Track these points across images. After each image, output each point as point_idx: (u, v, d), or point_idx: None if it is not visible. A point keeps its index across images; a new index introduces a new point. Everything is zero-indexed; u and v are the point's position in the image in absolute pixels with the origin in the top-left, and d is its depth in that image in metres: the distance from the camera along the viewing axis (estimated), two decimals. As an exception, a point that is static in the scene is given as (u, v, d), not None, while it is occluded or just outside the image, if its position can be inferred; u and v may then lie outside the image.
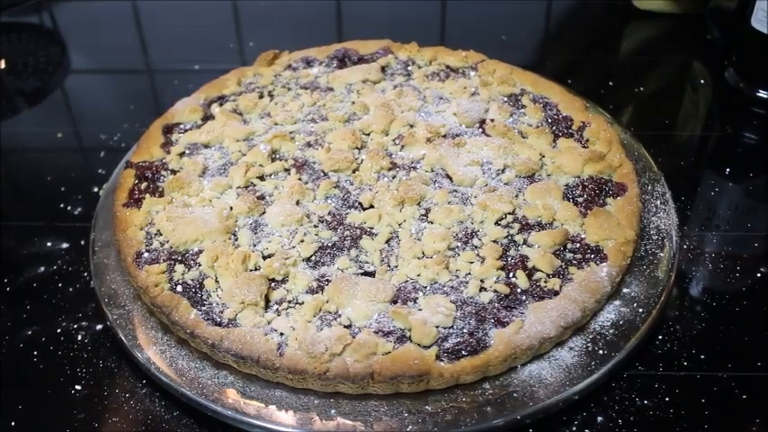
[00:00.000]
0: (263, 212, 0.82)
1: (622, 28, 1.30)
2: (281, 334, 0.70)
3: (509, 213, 0.80)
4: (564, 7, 1.37)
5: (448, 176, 0.86)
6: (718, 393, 0.71)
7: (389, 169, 0.87)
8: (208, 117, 0.98)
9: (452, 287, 0.74)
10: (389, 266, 0.76)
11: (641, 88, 1.13)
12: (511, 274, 0.75)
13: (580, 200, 0.83)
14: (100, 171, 0.99)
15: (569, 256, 0.77)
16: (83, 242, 0.87)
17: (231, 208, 0.82)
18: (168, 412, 0.71)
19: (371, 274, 0.75)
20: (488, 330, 0.70)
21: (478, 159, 0.87)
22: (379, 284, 0.73)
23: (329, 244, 0.78)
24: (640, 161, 0.92)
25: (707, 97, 1.12)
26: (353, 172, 0.87)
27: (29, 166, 1.06)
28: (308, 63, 1.07)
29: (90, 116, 1.13)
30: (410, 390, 0.68)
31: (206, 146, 0.93)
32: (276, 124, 0.95)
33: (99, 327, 0.79)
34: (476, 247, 0.77)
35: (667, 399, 0.70)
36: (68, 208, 0.94)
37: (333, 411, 0.67)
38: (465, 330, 0.70)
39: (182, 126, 0.97)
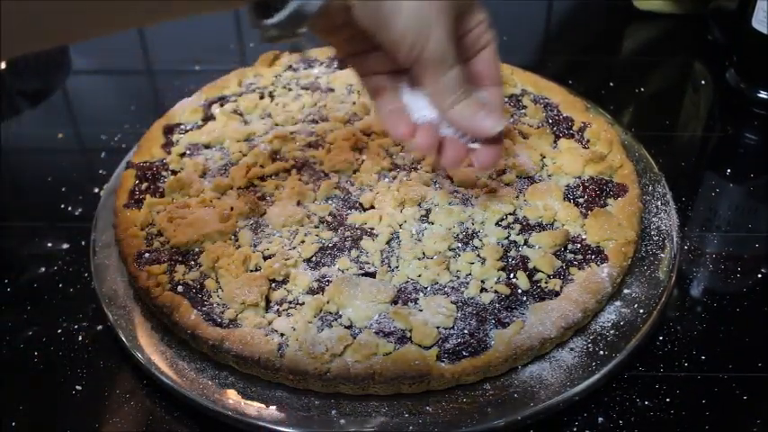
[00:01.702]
0: (264, 213, 0.82)
1: (623, 28, 1.30)
2: (282, 335, 0.70)
3: (510, 214, 0.81)
4: (564, 8, 1.37)
5: (448, 177, 0.86)
6: (719, 394, 0.71)
7: (390, 170, 0.87)
8: (208, 117, 0.98)
9: (453, 288, 0.74)
10: (390, 267, 0.76)
11: (642, 89, 1.13)
12: (511, 275, 0.75)
13: (581, 200, 0.83)
14: (101, 172, 0.99)
15: (570, 256, 0.77)
16: (83, 243, 0.87)
17: (232, 208, 0.82)
18: (169, 413, 0.71)
19: (372, 275, 0.75)
20: (489, 331, 0.70)
21: (479, 160, 0.87)
22: (379, 285, 0.73)
23: (330, 245, 0.78)
24: (641, 162, 0.92)
25: (708, 98, 1.12)
26: (354, 173, 0.87)
27: (29, 166, 1.06)
28: (309, 64, 1.07)
29: (91, 117, 1.14)
30: (411, 390, 0.68)
31: (207, 146, 0.93)
32: (277, 125, 0.95)
33: (99, 327, 0.79)
34: (476, 247, 0.77)
35: (668, 399, 0.70)
36: (69, 208, 0.94)
37: (333, 412, 0.67)
38: (466, 331, 0.70)
39: (182, 127, 0.97)
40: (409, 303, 0.72)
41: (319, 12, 0.59)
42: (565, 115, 0.95)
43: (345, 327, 0.70)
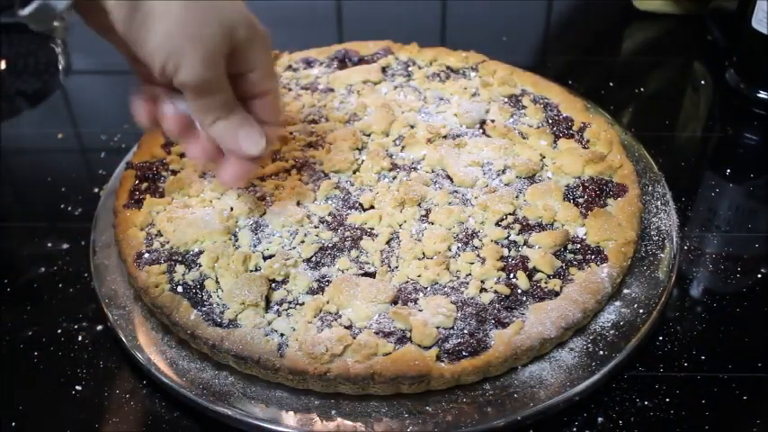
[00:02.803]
0: (264, 213, 0.82)
1: (623, 29, 1.30)
2: (282, 335, 0.70)
3: (509, 214, 0.80)
4: (564, 8, 1.37)
5: (448, 177, 0.86)
6: (719, 394, 0.71)
7: (390, 170, 0.87)
8: (208, 118, 0.98)
9: (453, 288, 0.74)
10: (390, 267, 0.76)
11: (642, 89, 1.13)
12: (511, 275, 0.75)
13: (581, 201, 0.83)
14: (100, 172, 0.99)
15: (570, 256, 0.77)
16: (83, 243, 0.87)
17: (232, 209, 0.82)
18: (169, 413, 0.71)
19: (372, 275, 0.75)
20: (489, 331, 0.70)
21: (479, 160, 0.87)
22: (379, 285, 0.73)
23: (329, 245, 0.78)
24: (641, 162, 0.92)
25: (707, 98, 1.12)
26: (354, 173, 0.87)
27: (29, 166, 1.06)
28: (309, 64, 1.07)
29: (90, 117, 1.14)
30: (411, 390, 0.68)
31: (206, 146, 0.93)
32: (277, 125, 0.95)
33: (99, 327, 0.79)
34: (476, 247, 0.77)
35: (668, 399, 0.70)
36: (69, 209, 0.94)
37: (333, 412, 0.67)
38: (465, 331, 0.70)
39: (182, 127, 0.96)
40: (409, 303, 0.72)
41: (65, 10, 0.60)
42: (565, 115, 0.95)
43: (345, 327, 0.70)
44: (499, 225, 0.80)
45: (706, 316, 0.78)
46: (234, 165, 0.72)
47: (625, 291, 0.77)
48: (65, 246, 0.89)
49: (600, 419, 0.69)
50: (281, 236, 0.80)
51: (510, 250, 0.77)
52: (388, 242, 0.78)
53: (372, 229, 0.80)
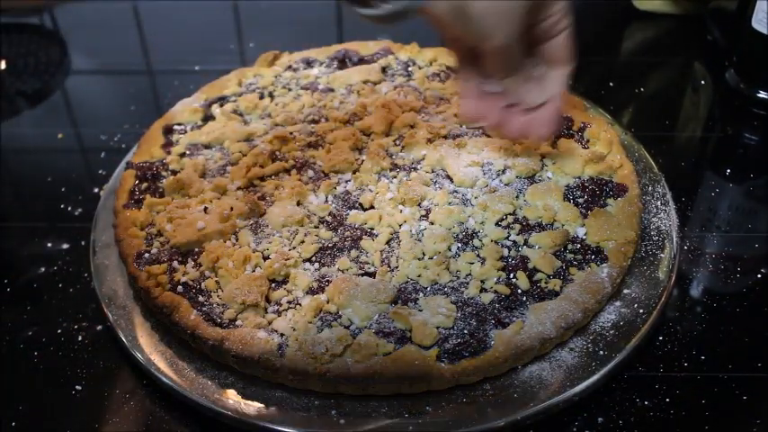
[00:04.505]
0: (264, 213, 0.82)
1: (623, 29, 1.30)
2: (282, 335, 0.70)
3: (509, 214, 0.80)
4: (564, 8, 1.37)
5: (448, 177, 0.86)
6: (719, 394, 0.71)
7: (390, 170, 0.87)
8: (208, 118, 0.98)
9: (453, 288, 0.74)
10: (390, 267, 0.76)
11: (642, 89, 1.13)
12: (511, 275, 0.75)
13: (580, 200, 0.83)
14: (100, 172, 0.99)
15: (570, 256, 0.77)
16: (83, 243, 0.87)
17: (232, 208, 0.82)
18: (168, 413, 0.71)
19: (372, 275, 0.75)
20: (489, 331, 0.70)
21: (479, 160, 0.87)
22: (379, 285, 0.73)
23: (330, 245, 0.78)
24: (641, 162, 0.92)
25: (707, 98, 1.12)
26: (354, 173, 0.87)
27: (29, 166, 1.06)
28: (309, 64, 1.07)
29: (90, 117, 1.14)
30: (411, 390, 0.68)
31: (206, 146, 0.93)
32: (277, 125, 0.95)
33: (99, 327, 0.79)
34: (476, 247, 0.77)
35: (668, 399, 0.70)
36: (69, 209, 0.94)
37: (333, 412, 0.67)
38: (465, 331, 0.70)
39: (182, 127, 0.97)
40: (409, 303, 0.72)
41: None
42: (565, 115, 0.95)
43: (345, 327, 0.70)
44: (499, 225, 0.80)
45: (706, 316, 0.78)
46: (517, 120, 0.78)
47: (625, 291, 0.77)
48: (65, 246, 0.89)
49: (600, 419, 0.69)
50: (281, 236, 0.80)
51: (510, 250, 0.77)
52: (388, 242, 0.78)
53: (372, 229, 0.80)
